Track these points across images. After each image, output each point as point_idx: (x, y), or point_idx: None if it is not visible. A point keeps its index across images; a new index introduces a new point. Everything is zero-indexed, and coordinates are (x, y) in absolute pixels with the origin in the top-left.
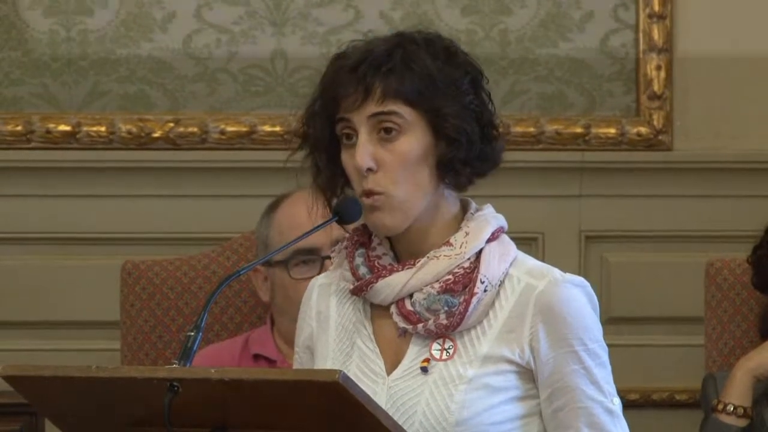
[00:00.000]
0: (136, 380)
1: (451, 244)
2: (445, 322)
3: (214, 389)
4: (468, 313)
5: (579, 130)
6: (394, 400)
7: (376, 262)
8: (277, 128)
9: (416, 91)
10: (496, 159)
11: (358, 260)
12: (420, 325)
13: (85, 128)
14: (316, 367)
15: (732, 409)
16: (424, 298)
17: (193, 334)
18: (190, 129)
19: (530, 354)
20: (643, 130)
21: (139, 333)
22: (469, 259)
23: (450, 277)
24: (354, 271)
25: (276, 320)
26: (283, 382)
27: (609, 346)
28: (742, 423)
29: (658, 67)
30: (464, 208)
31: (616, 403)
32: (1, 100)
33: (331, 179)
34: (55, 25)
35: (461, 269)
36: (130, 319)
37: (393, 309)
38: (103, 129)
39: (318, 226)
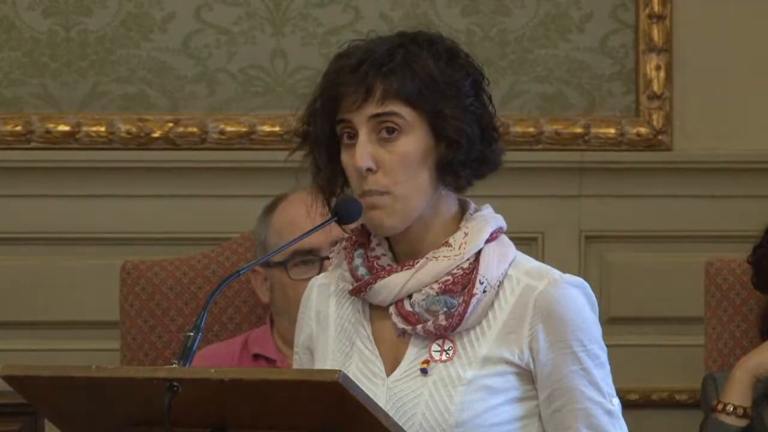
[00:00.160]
0: (136, 380)
1: (450, 245)
2: (444, 323)
3: (213, 389)
4: (467, 314)
5: (579, 130)
6: (393, 402)
7: (375, 263)
8: (277, 128)
9: (417, 91)
10: (496, 161)
11: (357, 261)
12: (419, 326)
13: (84, 128)
14: (315, 368)
15: (732, 409)
16: (423, 299)
17: (192, 334)
18: (190, 129)
19: (529, 355)
20: (642, 130)
21: (139, 333)
22: (468, 259)
23: (449, 277)
24: (353, 272)
25: (275, 321)
26: (283, 382)
27: (609, 346)
28: (742, 423)
29: (658, 67)
30: (463, 209)
31: (615, 404)
32: (1, 100)
33: (331, 179)
34: (54, 25)
35: (460, 270)
36: (130, 319)
37: (392, 310)
38: (102, 129)
39: (317, 226)
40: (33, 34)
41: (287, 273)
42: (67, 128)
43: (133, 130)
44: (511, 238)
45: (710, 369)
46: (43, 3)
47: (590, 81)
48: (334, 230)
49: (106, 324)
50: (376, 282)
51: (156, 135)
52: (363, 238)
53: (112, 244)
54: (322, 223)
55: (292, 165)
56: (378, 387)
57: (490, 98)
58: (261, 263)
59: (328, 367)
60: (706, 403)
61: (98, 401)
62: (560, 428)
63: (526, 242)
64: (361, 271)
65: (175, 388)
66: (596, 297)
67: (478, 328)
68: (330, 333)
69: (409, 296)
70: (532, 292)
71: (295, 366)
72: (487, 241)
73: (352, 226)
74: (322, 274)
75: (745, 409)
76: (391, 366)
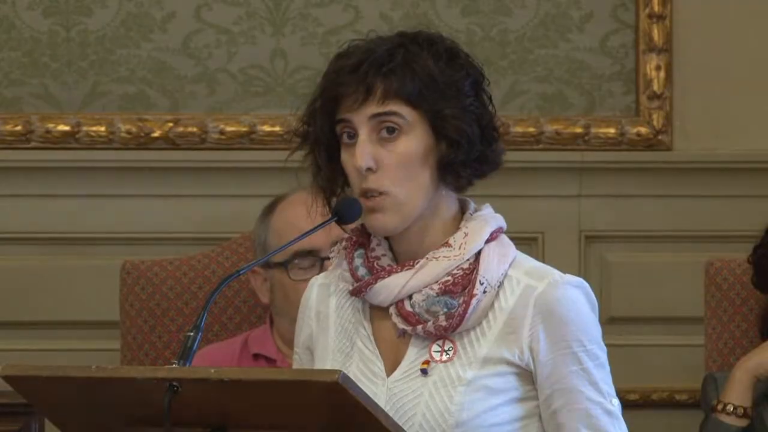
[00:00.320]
0: (136, 380)
1: (450, 245)
2: (444, 323)
3: (213, 389)
4: (467, 315)
5: (579, 130)
6: (393, 402)
7: (375, 263)
8: (277, 128)
9: (417, 91)
10: (496, 161)
11: (357, 261)
12: (419, 327)
13: (84, 128)
14: (315, 368)
15: (732, 409)
16: (424, 300)
17: (192, 334)
18: (190, 129)
19: (530, 355)
20: (642, 130)
21: (139, 333)
22: (468, 260)
23: (449, 278)
24: (353, 272)
25: (275, 321)
26: (283, 382)
27: (609, 346)
28: (742, 423)
29: (658, 67)
30: (463, 209)
31: (615, 404)
32: (1, 100)
33: (331, 178)
34: (55, 25)
35: (460, 270)
36: (130, 319)
37: (392, 310)
38: (102, 129)
39: (317, 226)
40: (33, 34)
41: (288, 274)
42: (67, 128)
43: (133, 130)
44: (511, 238)
45: (710, 369)
46: (43, 3)
47: (590, 81)
48: (335, 230)
49: (106, 324)
50: (376, 282)
51: (156, 135)
52: (363, 239)
53: (112, 244)
54: (322, 223)
55: (292, 165)
56: (378, 387)
57: (490, 98)
58: (261, 263)
59: (328, 367)
60: (706, 403)
61: (98, 401)
62: (560, 428)
63: (526, 242)
64: (361, 271)
65: (175, 388)
66: (596, 297)
67: (478, 329)
68: (330, 333)
69: (410, 296)
70: (532, 293)
71: (295, 366)
72: (487, 241)
73: (352, 226)
74: (322, 274)
75: (745, 409)
76: (391, 366)
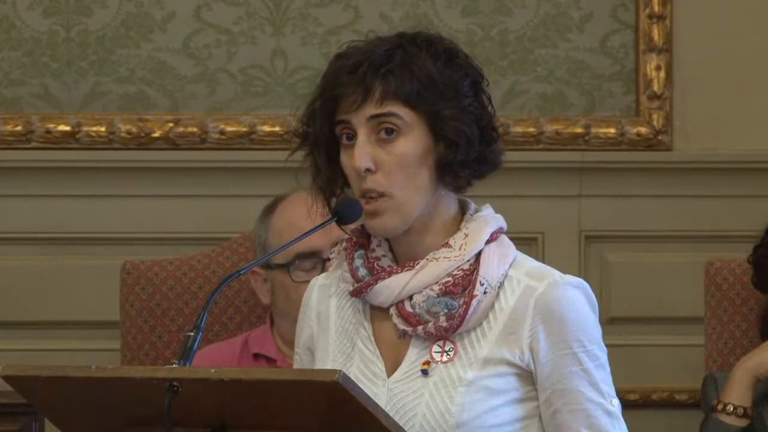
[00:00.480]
0: (136, 380)
1: (450, 246)
2: (445, 324)
3: (213, 389)
4: (468, 316)
5: (579, 130)
6: (394, 402)
7: (375, 264)
8: (277, 128)
9: (416, 92)
10: (495, 161)
11: (358, 262)
12: (420, 328)
13: (85, 128)
14: (316, 368)
15: (732, 409)
16: (424, 301)
17: (192, 334)
18: (190, 129)
19: (530, 356)
20: (642, 130)
21: (139, 333)
22: (468, 260)
23: (449, 278)
24: (353, 273)
25: (276, 321)
26: (283, 382)
27: (609, 346)
28: (742, 423)
29: (658, 68)
30: (463, 209)
31: (615, 405)
32: (1, 100)
33: (331, 179)
34: (55, 25)
35: (461, 271)
36: (130, 319)
37: (393, 311)
38: (102, 129)
39: (317, 227)
40: (33, 34)
41: (289, 275)
42: (67, 128)
43: (133, 130)
44: (511, 238)
45: (710, 369)
46: (43, 3)
47: (590, 81)
48: (335, 231)
49: (106, 324)
50: (376, 283)
51: (156, 135)
52: (363, 239)
53: (112, 244)
54: (322, 224)
55: (292, 165)
56: (379, 388)
57: (489, 98)
58: (261, 263)
59: (328, 367)
60: (706, 403)
61: (98, 401)
62: (560, 429)
63: (526, 242)
64: (362, 272)
65: (175, 388)
66: (596, 297)
67: (478, 329)
68: (331, 334)
69: (410, 297)
70: (532, 293)
71: (296, 366)
72: (488, 241)
73: (352, 226)
74: (322, 275)
75: (745, 409)
76: (391, 367)
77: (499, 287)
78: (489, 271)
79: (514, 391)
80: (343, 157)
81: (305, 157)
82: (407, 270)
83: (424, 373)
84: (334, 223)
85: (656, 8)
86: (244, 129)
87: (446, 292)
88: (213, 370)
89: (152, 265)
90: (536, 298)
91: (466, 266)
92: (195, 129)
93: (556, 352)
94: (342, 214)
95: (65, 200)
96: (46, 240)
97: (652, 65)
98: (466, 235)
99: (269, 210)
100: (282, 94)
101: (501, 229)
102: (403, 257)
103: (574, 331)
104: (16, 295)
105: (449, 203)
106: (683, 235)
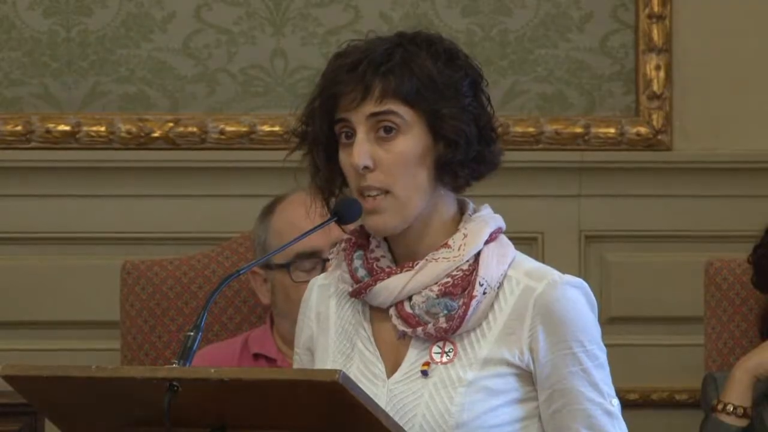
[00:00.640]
0: (136, 380)
1: (449, 246)
2: (444, 325)
3: (213, 389)
4: (467, 317)
5: (578, 130)
6: (394, 403)
7: (374, 265)
8: (277, 128)
9: (415, 91)
10: (494, 161)
11: (357, 262)
12: (420, 329)
13: (85, 128)
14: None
15: (732, 409)
16: (423, 301)
17: (192, 333)
18: (190, 129)
19: (529, 356)
20: (642, 130)
21: (139, 333)
22: (467, 261)
23: (449, 279)
24: (352, 274)
25: (276, 322)
26: (283, 382)
27: (609, 346)
28: (742, 423)
29: (658, 67)
30: (462, 209)
31: (615, 404)
32: (1, 100)
33: (330, 179)
34: (55, 25)
35: (460, 271)
36: (130, 319)
37: (392, 311)
38: (102, 129)
39: (317, 227)
40: (33, 34)
41: (289, 275)
42: (67, 128)
43: (133, 130)
44: (511, 238)
45: (710, 369)
46: (43, 3)
47: (590, 81)
48: (335, 231)
49: (106, 324)
50: (375, 284)
51: (156, 135)
52: (362, 240)
53: (112, 244)
54: (322, 224)
55: (292, 165)
56: (378, 388)
57: (488, 99)
58: (261, 263)
59: (328, 368)
60: (706, 403)
61: (98, 401)
62: (560, 429)
63: (526, 242)
64: (361, 272)
65: (175, 388)
66: (596, 297)
67: (478, 330)
68: (330, 334)
69: (409, 298)
70: (531, 293)
71: (296, 366)
72: (487, 242)
73: (352, 226)
74: (322, 275)
75: (745, 409)
76: (391, 367)
77: (498, 287)
78: (488, 272)
79: (514, 392)
80: (342, 156)
81: (304, 156)
82: (406, 271)
83: (424, 373)
84: (333, 223)
85: (656, 8)
86: (244, 129)
87: (446, 293)
88: (213, 370)
89: (152, 265)
90: (535, 298)
91: (465, 267)
92: (195, 129)
93: (555, 352)
94: (341, 214)
95: (65, 200)
96: (46, 240)
97: (651, 65)
98: (465, 236)
99: (269, 210)
100: (282, 94)
101: (500, 229)
102: (402, 257)
103: (574, 331)
104: (16, 295)
105: (448, 203)
106: (683, 235)
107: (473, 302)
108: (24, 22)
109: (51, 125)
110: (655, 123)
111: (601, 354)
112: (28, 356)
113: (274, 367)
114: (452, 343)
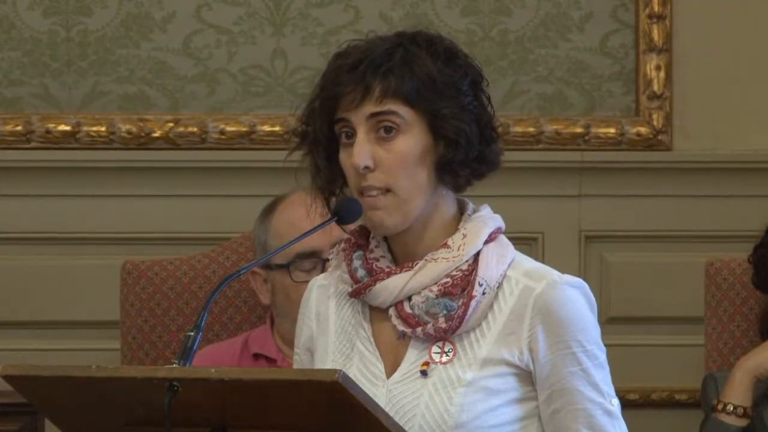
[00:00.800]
0: (136, 380)
1: (448, 246)
2: (444, 325)
3: (213, 389)
4: (467, 317)
5: (579, 130)
6: (393, 403)
7: (374, 265)
8: (277, 128)
9: (415, 91)
10: (495, 161)
11: (356, 263)
12: (419, 329)
13: (84, 128)
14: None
15: (732, 409)
16: (423, 302)
17: (193, 333)
18: (190, 129)
19: (529, 356)
20: (642, 130)
21: (139, 333)
22: (467, 261)
23: (448, 279)
24: (352, 274)
25: (276, 322)
26: (283, 382)
27: (608, 346)
28: (742, 423)
29: (658, 68)
30: (461, 209)
31: (615, 404)
32: (1, 100)
33: (330, 179)
34: (55, 25)
35: (459, 272)
36: (130, 319)
37: (392, 312)
38: (102, 129)
39: (317, 227)
40: (33, 34)
41: (290, 275)
42: (67, 128)
43: (133, 130)
44: (511, 238)
45: (710, 369)
46: (43, 3)
47: (590, 81)
48: (335, 231)
49: (106, 324)
50: (375, 284)
51: (156, 135)
52: (362, 240)
53: (112, 244)
54: (322, 224)
55: (292, 165)
56: (378, 389)
57: (488, 98)
58: (261, 263)
59: (328, 368)
60: (706, 403)
61: (98, 401)
62: (560, 429)
63: (526, 242)
64: (360, 273)
65: (175, 388)
66: (596, 297)
67: (477, 330)
68: (330, 334)
69: (409, 298)
70: (531, 293)
71: (296, 366)
72: (486, 242)
73: (352, 226)
74: (321, 275)
75: (745, 409)
76: (391, 368)
77: (497, 287)
78: (487, 272)
79: (514, 392)
80: (343, 156)
81: (304, 157)
82: (406, 271)
83: (424, 374)
84: (333, 223)
85: (656, 8)
86: (244, 129)
87: (445, 293)
88: (213, 370)
89: (152, 265)
90: (535, 298)
91: (464, 267)
92: (195, 129)
93: (555, 352)
94: (342, 214)
95: (65, 200)
96: (46, 240)
97: (651, 65)
98: (465, 236)
99: (269, 210)
100: (282, 94)
101: (499, 229)
102: (402, 258)
103: (573, 331)
104: (16, 295)
105: (448, 203)
106: (683, 235)
107: (473, 302)
108: (24, 22)
109: (51, 125)
110: (655, 123)
111: (601, 354)
112: (28, 356)
113: (274, 367)
114: (452, 343)
